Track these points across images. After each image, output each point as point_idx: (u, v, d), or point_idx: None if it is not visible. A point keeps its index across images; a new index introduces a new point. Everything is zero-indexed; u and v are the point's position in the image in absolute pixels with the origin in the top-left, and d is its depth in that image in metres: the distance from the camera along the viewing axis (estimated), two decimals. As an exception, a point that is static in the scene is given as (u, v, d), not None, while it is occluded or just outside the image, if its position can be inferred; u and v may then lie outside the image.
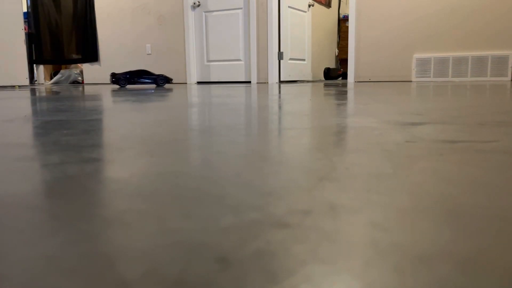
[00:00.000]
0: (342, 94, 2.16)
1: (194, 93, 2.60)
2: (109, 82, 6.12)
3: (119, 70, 6.00)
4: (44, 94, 2.86)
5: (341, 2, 6.81)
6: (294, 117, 1.07)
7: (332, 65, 6.74)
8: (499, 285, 0.22)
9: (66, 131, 0.87)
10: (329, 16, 6.51)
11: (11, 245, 0.28)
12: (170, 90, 3.12)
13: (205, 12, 5.30)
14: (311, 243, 0.27)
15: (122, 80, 3.88)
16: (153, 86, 4.10)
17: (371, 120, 0.96)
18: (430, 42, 4.43)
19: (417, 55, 4.49)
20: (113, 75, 3.90)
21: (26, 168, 0.52)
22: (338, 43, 6.79)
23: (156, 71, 5.75)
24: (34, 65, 6.55)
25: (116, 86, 4.24)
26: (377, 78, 4.73)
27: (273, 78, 5.02)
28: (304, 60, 5.65)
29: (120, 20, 5.88)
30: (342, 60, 6.74)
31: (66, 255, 0.26)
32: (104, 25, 6.01)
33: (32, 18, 6.16)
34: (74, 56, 6.18)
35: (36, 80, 6.82)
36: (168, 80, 3.97)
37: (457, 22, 4.30)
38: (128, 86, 4.27)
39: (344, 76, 6.39)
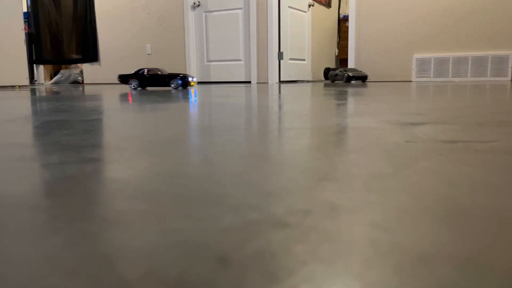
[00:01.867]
0: (342, 94, 2.16)
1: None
2: (110, 82, 6.10)
3: (119, 70, 5.99)
4: (44, 94, 2.86)
5: (341, 2, 6.81)
6: (294, 117, 1.07)
7: (332, 65, 6.74)
8: (499, 286, 0.22)
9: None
10: (329, 16, 6.51)
11: (11, 245, 0.28)
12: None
13: (205, 12, 5.30)
14: (311, 243, 0.27)
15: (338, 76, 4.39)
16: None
17: (371, 120, 0.96)
18: (430, 42, 4.43)
19: (417, 55, 4.49)
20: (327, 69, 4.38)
21: (28, 168, 0.52)
22: (338, 43, 6.80)
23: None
24: (34, 65, 6.55)
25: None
26: (377, 78, 4.73)
27: (273, 78, 5.02)
28: (304, 60, 5.65)
29: (120, 20, 5.88)
30: (342, 60, 6.74)
31: (66, 256, 0.26)
32: (104, 25, 6.01)
33: (32, 18, 6.16)
34: (74, 56, 6.18)
35: (36, 80, 6.82)
36: (363, 77, 4.30)
37: (457, 22, 4.30)
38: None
39: (344, 76, 6.38)
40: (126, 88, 3.68)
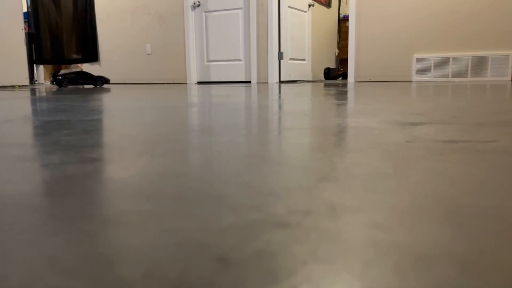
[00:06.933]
0: (342, 94, 2.16)
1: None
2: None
3: (119, 70, 5.99)
4: (44, 94, 2.86)
5: (341, 2, 6.81)
6: (294, 117, 1.07)
7: (332, 65, 6.74)
8: (499, 285, 0.22)
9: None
10: (329, 16, 6.51)
11: (11, 245, 0.28)
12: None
13: (205, 12, 5.30)
14: (311, 243, 0.27)
15: None
16: None
17: (371, 120, 0.96)
18: (430, 42, 4.43)
19: (417, 55, 4.49)
20: None
21: (27, 168, 0.52)
22: (338, 43, 6.80)
23: (156, 71, 5.74)
24: (34, 65, 6.55)
25: None
26: (377, 78, 4.73)
27: (273, 78, 5.02)
28: (304, 60, 5.65)
29: (120, 20, 5.88)
30: (342, 60, 6.74)
31: (66, 255, 0.26)
32: (104, 25, 6.01)
33: (32, 18, 6.16)
34: (74, 56, 6.18)
35: (36, 80, 6.82)
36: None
37: (457, 22, 4.30)
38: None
39: (344, 76, 6.39)
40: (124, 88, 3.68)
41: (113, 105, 1.64)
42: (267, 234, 0.29)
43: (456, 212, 0.33)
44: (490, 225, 0.30)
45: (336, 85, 3.67)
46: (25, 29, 4.95)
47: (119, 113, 1.25)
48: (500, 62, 4.16)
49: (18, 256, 0.26)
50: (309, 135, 0.76)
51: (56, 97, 2.41)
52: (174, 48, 5.56)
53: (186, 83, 5.29)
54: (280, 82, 5.12)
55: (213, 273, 0.23)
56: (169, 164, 0.53)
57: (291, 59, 5.31)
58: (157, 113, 1.24)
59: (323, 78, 6.36)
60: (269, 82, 4.99)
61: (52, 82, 4.40)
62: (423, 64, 4.47)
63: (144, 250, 0.27)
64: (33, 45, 6.19)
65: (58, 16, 6.12)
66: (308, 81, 5.50)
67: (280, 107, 1.39)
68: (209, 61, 5.37)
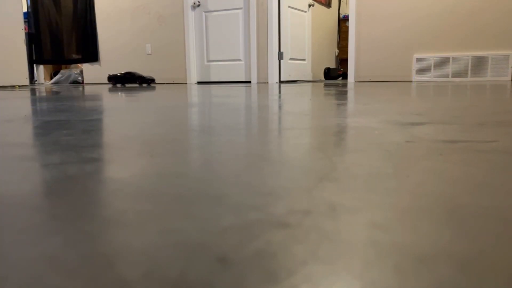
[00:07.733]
0: (342, 94, 2.16)
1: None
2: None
3: (119, 70, 5.99)
4: (44, 94, 2.86)
5: (341, 2, 6.81)
6: (294, 117, 1.07)
7: (332, 65, 6.74)
8: (499, 285, 0.22)
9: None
10: (329, 16, 6.51)
11: (11, 245, 0.28)
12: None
13: (205, 12, 5.30)
14: (311, 243, 0.27)
15: None
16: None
17: (371, 120, 0.96)
18: (430, 42, 4.43)
19: (417, 55, 4.50)
20: None
21: (29, 168, 0.52)
22: (338, 43, 6.79)
23: (156, 71, 5.74)
24: (34, 65, 6.55)
25: None
26: (377, 78, 4.73)
27: (273, 78, 5.02)
28: (304, 60, 5.65)
29: (120, 20, 5.88)
30: (342, 60, 6.74)
31: (66, 255, 0.26)
32: (104, 25, 6.01)
33: (32, 18, 6.16)
34: (74, 56, 6.18)
35: (36, 80, 6.82)
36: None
37: (457, 22, 4.30)
38: None
39: (344, 76, 6.39)
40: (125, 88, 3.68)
41: (112, 104, 1.64)
42: (267, 234, 0.29)
43: (456, 212, 0.33)
44: (490, 225, 0.30)
45: (336, 85, 3.67)
46: (25, 29, 4.95)
47: (119, 113, 1.25)
48: (500, 62, 4.16)
49: (18, 256, 0.26)
50: (309, 135, 0.76)
51: (56, 97, 2.41)
52: (174, 48, 5.56)
53: (186, 83, 5.29)
54: (280, 82, 5.12)
55: (213, 273, 0.23)
56: (169, 164, 0.53)
57: (291, 59, 5.31)
58: (157, 113, 1.24)
59: (323, 78, 6.36)
60: (269, 82, 4.99)
61: (108, 81, 4.78)
62: (423, 64, 4.47)
63: (144, 250, 0.27)
64: (33, 45, 6.19)
65: (58, 16, 6.12)
66: (308, 81, 5.50)
67: (280, 107, 1.39)
68: (209, 61, 5.37)
